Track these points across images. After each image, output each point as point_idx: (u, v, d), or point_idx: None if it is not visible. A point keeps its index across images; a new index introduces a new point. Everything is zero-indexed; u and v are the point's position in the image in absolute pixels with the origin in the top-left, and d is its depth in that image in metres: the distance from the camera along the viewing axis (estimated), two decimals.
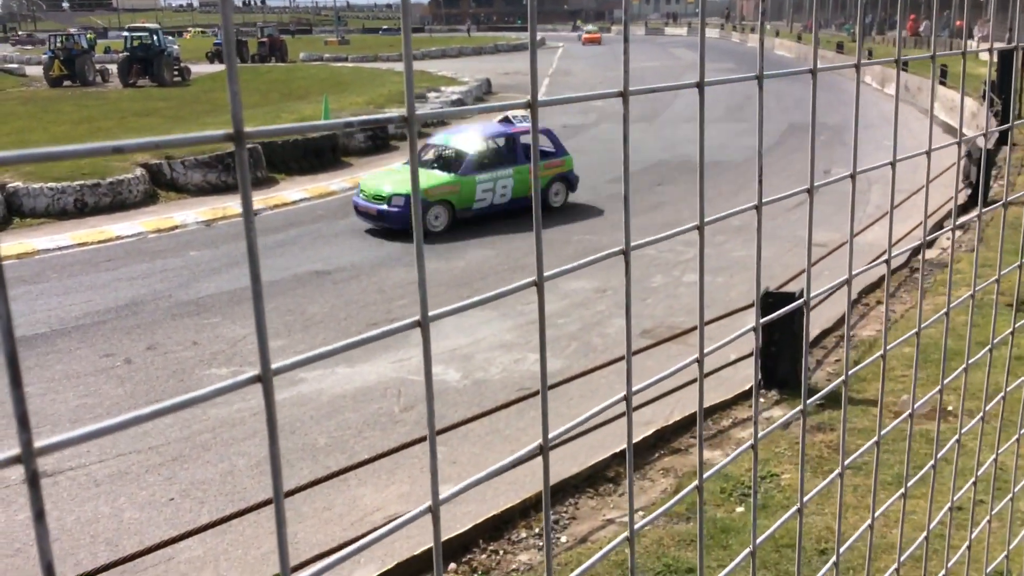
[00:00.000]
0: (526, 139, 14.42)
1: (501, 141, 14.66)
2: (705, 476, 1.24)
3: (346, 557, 0.79)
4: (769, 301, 6.80)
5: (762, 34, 1.32)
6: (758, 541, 1.44)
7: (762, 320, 1.38)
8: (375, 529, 0.85)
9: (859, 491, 5.40)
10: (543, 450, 0.99)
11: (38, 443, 0.58)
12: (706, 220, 1.20)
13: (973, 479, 2.19)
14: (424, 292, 0.80)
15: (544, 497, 1.01)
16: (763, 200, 1.32)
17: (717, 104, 26.53)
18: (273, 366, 0.72)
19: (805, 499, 1.50)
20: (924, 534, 1.99)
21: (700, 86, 1.10)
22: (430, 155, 14.77)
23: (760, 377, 7.37)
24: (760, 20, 1.32)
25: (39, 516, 0.58)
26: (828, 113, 21.73)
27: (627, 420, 1.09)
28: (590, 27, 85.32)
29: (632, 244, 1.04)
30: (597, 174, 17.57)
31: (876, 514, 1.79)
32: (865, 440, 6.04)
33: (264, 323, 0.69)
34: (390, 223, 13.48)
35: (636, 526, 1.14)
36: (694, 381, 6.47)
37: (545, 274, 0.96)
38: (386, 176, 14.59)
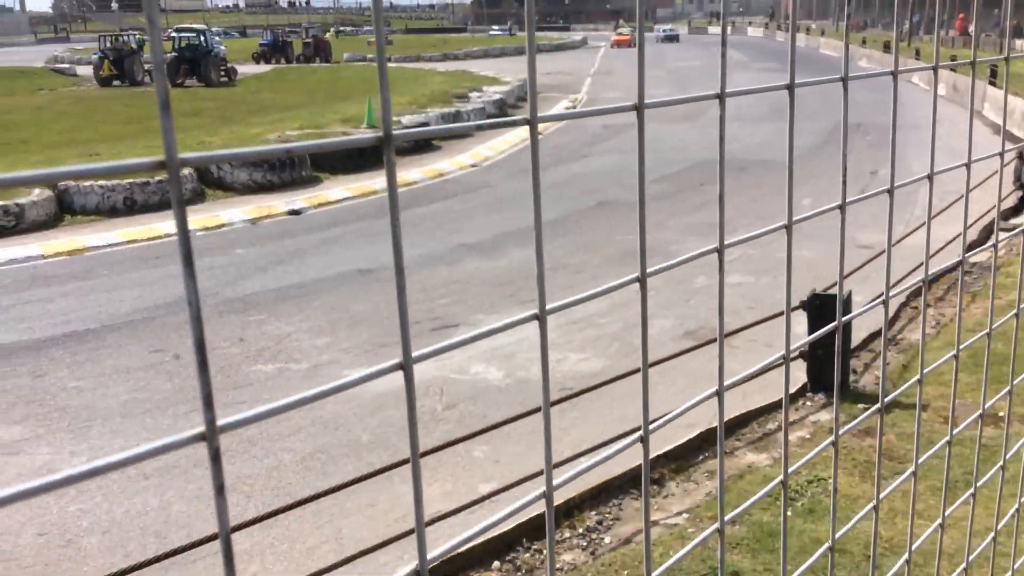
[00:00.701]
0: None
1: None
2: (727, 518, 1.24)
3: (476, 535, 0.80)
4: (816, 303, 6.73)
5: (793, 40, 1.30)
6: (834, 539, 1.43)
7: (795, 348, 1.37)
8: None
9: (909, 496, 5.32)
10: (643, 440, 1.00)
11: (220, 421, 0.63)
12: (727, 243, 1.18)
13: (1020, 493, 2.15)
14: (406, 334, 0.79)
15: (644, 482, 1.01)
16: (792, 220, 1.30)
17: (762, 102, 26.28)
18: (414, 354, 0.77)
19: (881, 495, 1.49)
20: (991, 535, 1.97)
21: (721, 96, 1.09)
22: None
23: (807, 380, 7.30)
24: (791, 26, 1.30)
25: (220, 490, 0.65)
26: (876, 113, 21.43)
27: (644, 459, 1.09)
28: (623, 28, 79.12)
29: (726, 243, 1.04)
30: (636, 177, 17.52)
31: (947, 513, 1.76)
32: (911, 443, 5.95)
33: (406, 314, 0.75)
34: None
35: (726, 517, 1.13)
36: (743, 383, 6.41)
37: (648, 270, 0.96)
38: None
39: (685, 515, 5.64)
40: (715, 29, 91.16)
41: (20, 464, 6.87)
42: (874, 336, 8.51)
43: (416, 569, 0.79)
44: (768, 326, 7.32)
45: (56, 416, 7.69)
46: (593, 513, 5.77)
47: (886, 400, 1.50)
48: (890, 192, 1.49)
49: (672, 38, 67.25)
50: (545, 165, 19.52)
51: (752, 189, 15.46)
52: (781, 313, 7.19)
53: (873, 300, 1.66)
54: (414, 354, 0.73)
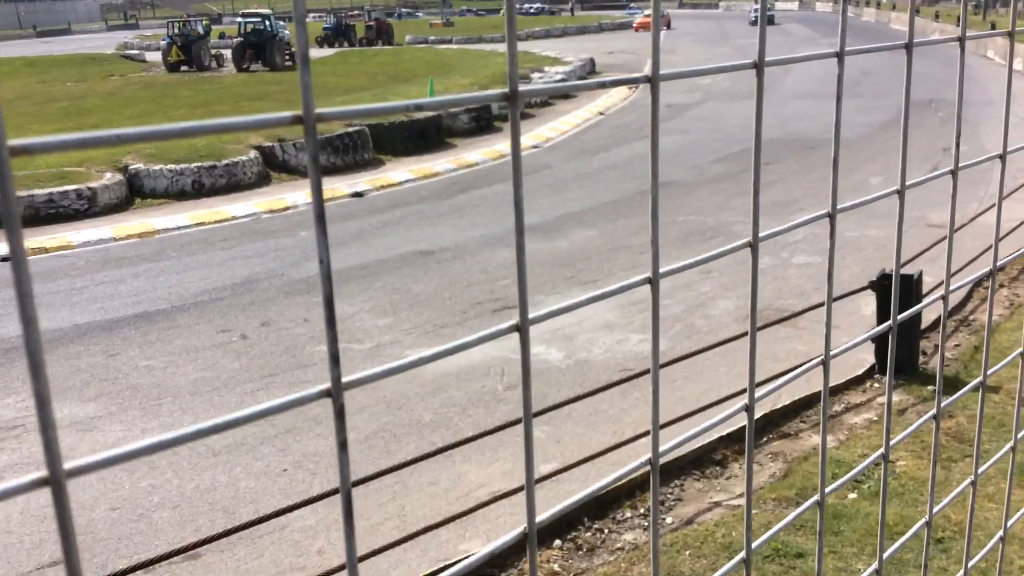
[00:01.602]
0: None
1: None
2: (753, 544, 1.21)
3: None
4: (885, 283, 6.59)
5: (844, 8, 1.24)
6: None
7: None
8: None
9: (979, 480, 5.20)
10: (748, 409, 1.00)
11: (345, 378, 0.66)
12: (762, 235, 1.14)
13: None
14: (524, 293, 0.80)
15: (748, 452, 1.01)
16: (837, 208, 1.24)
17: (829, 79, 25.72)
18: (530, 315, 0.80)
19: (980, 470, 1.46)
20: None
21: (759, 66, 1.05)
22: None
23: (875, 362, 7.16)
24: None
25: (343, 446, 0.67)
26: (948, 89, 20.82)
27: (748, 427, 1.08)
28: (648, 11, 68.99)
29: (660, 272, 1.01)
30: (701, 154, 17.30)
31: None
32: (985, 426, 5.80)
33: (525, 275, 0.79)
34: None
35: (827, 490, 1.12)
36: (802, 364, 6.28)
37: (661, 270, 0.96)
38: None
39: (745, 497, 5.59)
40: (783, 5, 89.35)
41: (94, 441, 7.08)
42: (948, 314, 8.31)
43: (524, 531, 0.82)
44: (835, 306, 7.19)
45: (128, 394, 7.90)
46: None
47: (943, 405, 1.45)
48: (954, 173, 1.42)
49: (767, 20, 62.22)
50: (607, 145, 19.41)
51: (821, 167, 15.17)
52: (847, 294, 7.06)
53: (934, 288, 1.61)
54: (530, 316, 0.76)
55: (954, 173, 1.38)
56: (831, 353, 1.07)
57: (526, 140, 20.58)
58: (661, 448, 0.90)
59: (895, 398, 6.67)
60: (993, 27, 33.57)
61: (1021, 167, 10.11)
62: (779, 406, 6.66)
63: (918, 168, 12.79)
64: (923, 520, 1.37)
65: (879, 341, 7.06)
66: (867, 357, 7.23)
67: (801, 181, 14.41)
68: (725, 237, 11.13)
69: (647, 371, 6.62)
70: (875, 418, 6.44)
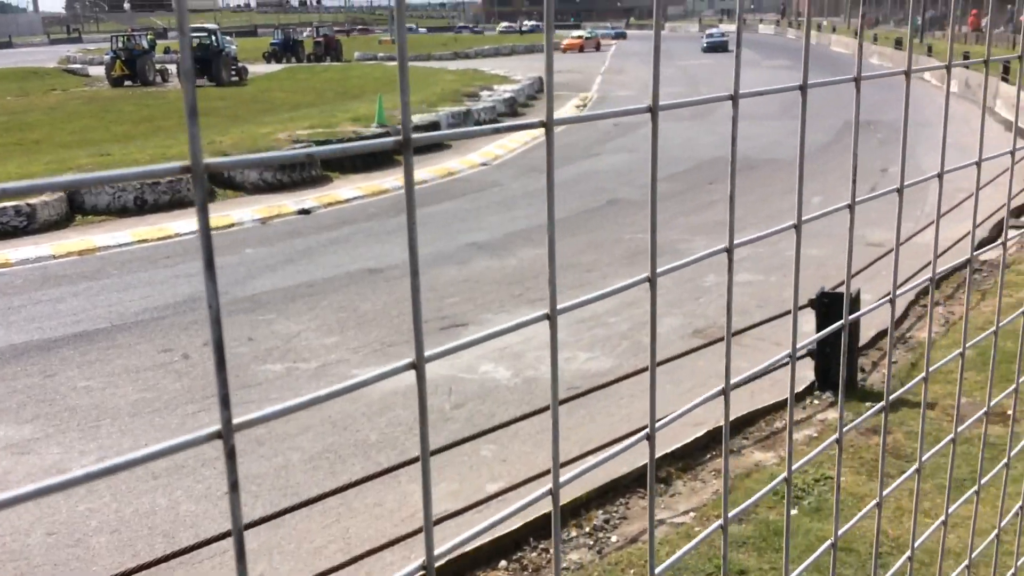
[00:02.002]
0: None
1: None
2: (730, 514, 1.23)
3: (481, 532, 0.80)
4: (824, 301, 6.71)
5: (807, 39, 1.29)
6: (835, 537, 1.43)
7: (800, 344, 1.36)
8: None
9: (912, 495, 5.30)
10: (650, 438, 1.01)
11: (236, 420, 0.66)
12: (736, 243, 1.18)
13: None
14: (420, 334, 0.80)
15: (650, 479, 1.01)
16: (802, 219, 1.30)
17: (771, 101, 26.18)
18: (426, 354, 0.79)
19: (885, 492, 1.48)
20: (995, 533, 1.96)
21: (735, 98, 1.09)
22: None
23: (815, 379, 7.28)
24: (806, 26, 1.30)
25: (234, 486, 0.66)
26: (885, 110, 21.34)
27: (650, 457, 1.09)
28: (579, 31, 66.54)
29: (658, 271, 1.04)
30: (648, 172, 17.48)
31: (950, 511, 1.76)
32: (918, 441, 5.92)
33: (420, 314, 0.78)
34: None
35: (731, 514, 1.13)
36: (748, 382, 6.38)
37: (658, 270, 0.97)
38: None
39: (692, 514, 5.63)
40: (725, 27, 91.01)
41: (30, 464, 6.90)
42: (882, 335, 8.48)
43: (423, 564, 0.80)
44: (776, 324, 7.31)
45: (66, 415, 7.73)
46: (600, 512, 5.76)
47: (891, 398, 1.49)
48: (899, 191, 1.49)
49: (719, 46, 50.81)
50: (556, 163, 19.43)
51: (761, 188, 15.42)
52: (789, 312, 7.17)
53: (881, 299, 1.66)
54: (426, 354, 0.75)
55: (900, 192, 1.45)
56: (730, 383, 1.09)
57: (474, 158, 20.63)
58: (563, 479, 0.90)
59: (832, 414, 6.79)
60: (930, 50, 34.52)
61: (958, 187, 10.37)
62: (722, 423, 6.73)
63: (857, 188, 13.04)
64: (828, 542, 1.40)
65: (819, 359, 7.19)
66: (808, 374, 7.35)
67: (744, 201, 14.63)
68: (672, 255, 11.23)
69: (595, 388, 6.66)
70: (815, 434, 6.54)
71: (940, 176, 1.61)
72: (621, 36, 65.41)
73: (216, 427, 0.67)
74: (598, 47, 61.10)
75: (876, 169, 16.37)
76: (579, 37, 61.31)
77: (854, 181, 1.40)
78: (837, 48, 51.31)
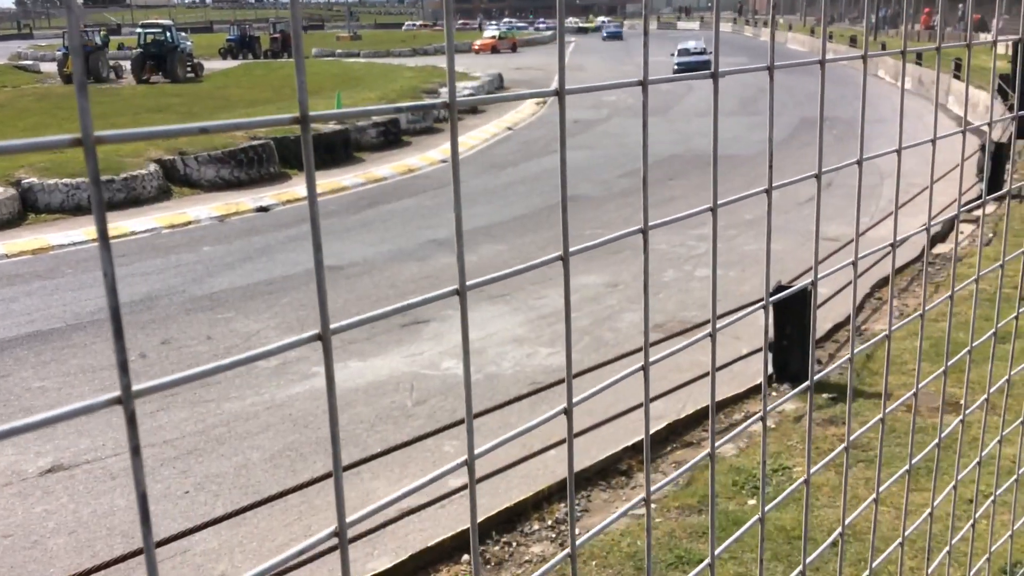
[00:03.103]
0: None
1: None
2: (656, 487, 1.25)
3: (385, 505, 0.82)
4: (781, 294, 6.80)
5: (772, 26, 1.34)
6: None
7: (772, 302, 1.40)
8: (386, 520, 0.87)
9: (870, 483, 5.40)
10: (567, 412, 1.04)
11: (135, 386, 0.67)
12: (720, 203, 1.22)
13: (977, 460, 2.20)
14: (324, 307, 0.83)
15: (569, 454, 1.03)
16: (773, 185, 1.35)
17: (730, 98, 26.45)
18: (332, 326, 0.82)
19: (813, 470, 1.52)
20: (928, 511, 2.01)
21: (644, 84, 1.12)
22: None
23: (772, 371, 7.38)
24: (770, 12, 1.34)
25: (135, 451, 0.67)
26: (840, 107, 21.64)
27: (568, 432, 1.11)
28: (491, 30, 62.97)
29: (650, 224, 1.08)
30: (608, 169, 17.58)
31: (880, 489, 1.80)
32: (877, 432, 6.05)
33: (324, 287, 0.81)
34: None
35: (653, 491, 1.16)
36: (706, 375, 6.46)
37: (572, 249, 1.01)
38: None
39: (653, 505, 5.69)
40: (684, 24, 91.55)
41: None
42: (839, 327, 8.61)
43: (335, 530, 0.83)
44: (733, 318, 7.38)
45: (20, 416, 7.56)
46: (562, 505, 5.80)
47: (816, 378, 1.54)
48: (859, 163, 1.56)
49: (616, 35, 57.61)
50: (515, 160, 19.56)
51: (721, 183, 15.56)
52: (746, 305, 7.28)
53: (836, 291, 1.71)
54: (332, 326, 0.78)
55: (818, 177, 1.49)
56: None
57: (435, 154, 20.60)
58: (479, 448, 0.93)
59: (791, 406, 6.89)
60: (884, 47, 35.08)
61: (912, 182, 10.56)
62: (683, 415, 6.80)
63: (811, 183, 13.22)
64: (756, 517, 1.44)
65: (776, 351, 7.28)
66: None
67: (703, 197, 14.73)
68: (632, 251, 11.31)
69: (555, 383, 6.70)
70: (772, 425, 6.63)
71: (899, 152, 1.68)
72: (616, 36, 63.07)
73: (116, 393, 0.68)
74: (514, 47, 56.96)
75: (832, 163, 16.59)
76: (492, 37, 57.70)
77: (820, 150, 1.46)
78: (793, 46, 51.89)
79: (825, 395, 6.90)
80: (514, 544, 5.43)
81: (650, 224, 1.08)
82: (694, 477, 5.87)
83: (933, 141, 1.87)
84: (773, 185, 1.34)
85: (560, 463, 6.20)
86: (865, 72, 1.61)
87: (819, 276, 1.56)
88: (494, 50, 54.27)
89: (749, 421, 1.50)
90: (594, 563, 5.12)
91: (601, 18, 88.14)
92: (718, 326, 1.32)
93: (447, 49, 0.84)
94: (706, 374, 7.16)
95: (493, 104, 30.20)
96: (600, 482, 6.05)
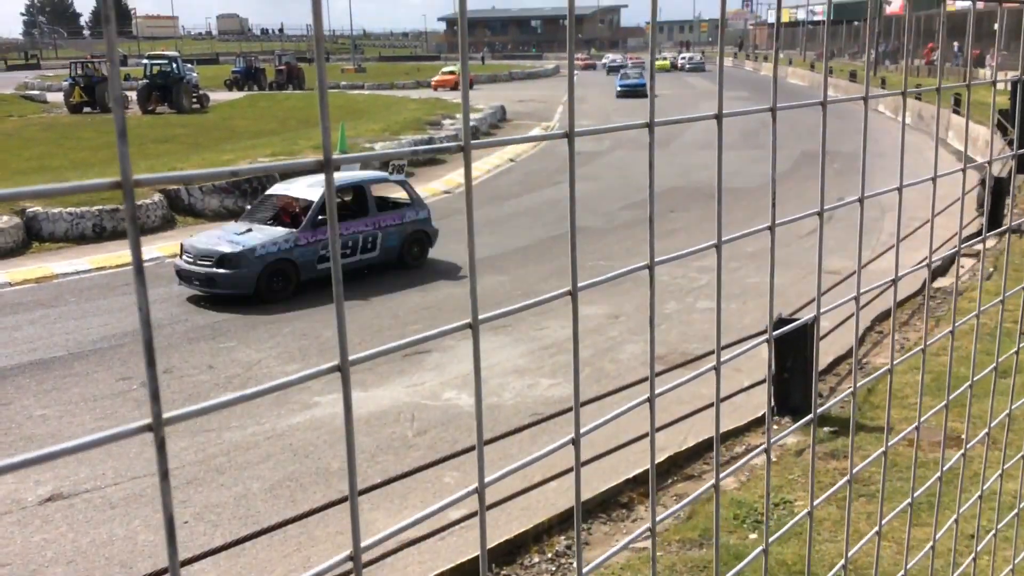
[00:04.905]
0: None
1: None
2: (659, 519, 1.26)
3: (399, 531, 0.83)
4: (782, 327, 6.81)
5: (776, 67, 1.36)
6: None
7: (775, 337, 1.41)
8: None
9: (872, 518, 5.37)
10: (575, 442, 1.05)
11: (166, 414, 0.70)
12: (724, 239, 1.24)
13: (979, 494, 2.20)
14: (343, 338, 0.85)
15: (576, 492, 1.04)
16: (776, 222, 1.37)
17: (732, 131, 26.53)
18: (351, 357, 0.83)
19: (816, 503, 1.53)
20: (930, 544, 2.01)
21: (650, 126, 1.14)
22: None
23: (773, 403, 7.36)
24: (775, 53, 1.36)
25: (164, 476, 0.71)
26: (841, 141, 21.72)
27: (575, 462, 1.13)
28: (448, 67, 59.79)
29: (656, 260, 1.10)
30: (610, 201, 17.64)
31: (883, 523, 1.80)
32: (878, 466, 5.99)
33: (344, 319, 0.81)
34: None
35: (658, 521, 1.16)
36: (708, 407, 6.47)
37: (580, 284, 1.03)
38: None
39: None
40: (683, 53, 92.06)
41: None
42: (840, 359, 8.61)
43: (350, 554, 0.84)
44: (734, 350, 7.38)
45: (21, 445, 7.59)
46: (563, 538, 5.77)
47: (819, 411, 1.54)
48: (861, 201, 1.58)
49: (634, 89, 50.63)
50: (518, 192, 19.64)
51: (722, 216, 15.61)
52: (748, 337, 7.32)
53: (838, 324, 1.72)
54: (351, 357, 0.79)
55: (820, 215, 1.51)
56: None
57: (438, 185, 20.68)
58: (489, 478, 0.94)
59: (792, 439, 6.87)
60: (883, 82, 35.33)
61: (913, 216, 10.61)
62: (684, 448, 6.78)
63: (814, 217, 13.26)
64: (760, 549, 1.45)
65: (777, 384, 7.28)
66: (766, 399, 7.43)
67: (705, 229, 14.81)
68: (634, 283, 11.33)
69: (556, 414, 6.69)
70: (774, 459, 6.61)
71: (900, 189, 1.70)
72: (635, 91, 54.82)
73: (147, 420, 0.71)
74: (471, 85, 53.76)
75: (833, 198, 16.57)
76: (451, 73, 54.62)
77: (822, 187, 1.48)
78: (793, 80, 52.23)
79: (826, 428, 6.89)
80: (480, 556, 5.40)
81: (656, 260, 1.10)
82: (695, 511, 5.84)
83: (934, 179, 1.89)
84: (776, 222, 1.36)
85: (560, 495, 6.18)
86: (866, 113, 1.64)
87: (821, 311, 1.57)
88: (454, 86, 50.98)
89: (753, 453, 1.51)
90: None
91: (609, 56, 79.70)
92: (722, 359, 1.33)
93: (462, 93, 0.87)
94: (707, 406, 7.15)
95: (496, 133, 30.37)
96: (601, 514, 6.03)
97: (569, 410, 6.97)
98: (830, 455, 6.44)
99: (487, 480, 0.94)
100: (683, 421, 7.11)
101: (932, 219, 2.03)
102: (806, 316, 1.57)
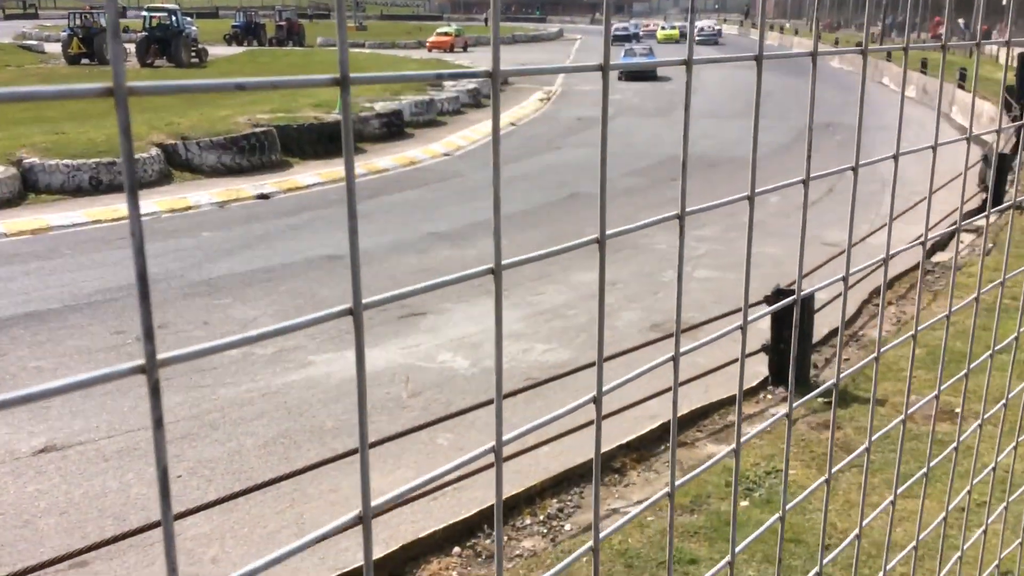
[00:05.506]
0: None
1: None
2: (678, 483, 1.25)
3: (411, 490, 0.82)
4: (779, 297, 6.80)
5: (763, 18, 1.32)
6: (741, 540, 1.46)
7: (751, 320, 1.39)
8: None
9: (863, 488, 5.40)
10: (596, 401, 1.04)
11: (160, 355, 0.63)
12: (757, 191, 1.22)
13: (973, 481, 2.20)
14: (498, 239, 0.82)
15: (596, 450, 1.03)
16: (756, 191, 1.33)
17: (736, 99, 26.43)
18: (364, 301, 0.78)
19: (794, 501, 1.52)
20: (940, 524, 2.01)
21: (688, 63, 1.10)
22: None
23: (768, 374, 7.38)
24: (761, 3, 1.33)
25: (158, 423, 0.64)
26: (844, 113, 21.63)
27: (596, 419, 1.11)
28: (444, 28, 57.01)
29: (687, 210, 1.07)
30: (613, 167, 17.52)
31: (898, 492, 1.80)
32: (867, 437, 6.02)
33: (358, 261, 0.78)
34: None
35: (677, 484, 1.15)
36: (701, 375, 6.48)
37: (608, 232, 1.00)
38: None
39: (645, 503, 5.69)
40: (684, 23, 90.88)
41: None
42: (835, 332, 8.61)
43: (359, 515, 0.81)
44: (733, 319, 7.38)
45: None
46: (554, 501, 5.80)
47: (841, 376, 1.53)
48: (854, 170, 1.54)
49: (624, 39, 47.54)
50: (517, 156, 19.54)
51: (723, 185, 15.56)
52: (747, 306, 7.24)
53: (835, 296, 1.70)
54: (364, 301, 0.75)
55: (805, 183, 1.48)
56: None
57: (437, 147, 20.58)
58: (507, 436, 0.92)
59: (785, 408, 6.88)
60: (889, 55, 35.06)
61: (913, 191, 10.57)
62: (678, 415, 6.80)
63: (815, 187, 13.26)
64: (776, 516, 1.44)
65: (773, 354, 7.29)
66: (761, 369, 7.45)
67: (705, 198, 14.71)
68: (632, 250, 11.31)
69: (552, 379, 6.70)
70: (768, 428, 6.64)
71: (896, 157, 1.65)
72: (622, 41, 49.85)
73: (140, 361, 0.63)
74: (465, 47, 52.14)
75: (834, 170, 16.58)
76: (445, 34, 52.72)
77: (809, 152, 1.44)
78: (800, 50, 51.96)
79: (821, 399, 6.91)
80: (506, 538, 5.44)
81: (687, 210, 1.07)
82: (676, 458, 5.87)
83: (934, 148, 1.83)
84: (756, 191, 1.33)
85: (552, 459, 6.21)
86: (864, 68, 1.59)
87: (814, 287, 1.55)
88: (450, 48, 50.64)
89: (774, 418, 1.50)
90: (585, 560, 5.12)
91: (620, 24, 70.18)
92: (750, 318, 1.31)
93: (492, 19, 0.82)
94: (702, 375, 7.17)
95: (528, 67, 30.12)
96: None
97: (564, 375, 6.99)
98: (823, 425, 6.47)
99: (505, 438, 0.92)
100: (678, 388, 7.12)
101: (930, 194, 2.00)
102: (803, 291, 1.54)
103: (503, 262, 0.86)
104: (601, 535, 1.08)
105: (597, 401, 1.03)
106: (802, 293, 1.48)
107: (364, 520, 0.80)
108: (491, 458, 0.93)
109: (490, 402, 6.23)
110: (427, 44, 51.78)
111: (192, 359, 0.67)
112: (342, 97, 0.71)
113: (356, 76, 0.69)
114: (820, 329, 8.47)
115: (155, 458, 0.66)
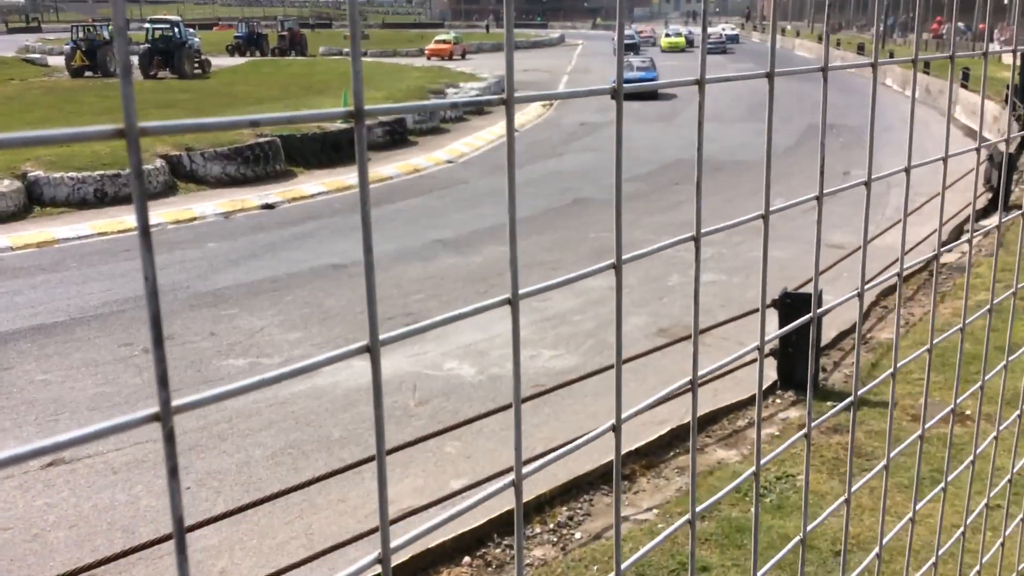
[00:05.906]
0: None
1: None
2: (698, 509, 1.23)
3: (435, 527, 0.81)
4: (787, 301, 6.78)
5: (774, 32, 1.31)
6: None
7: (769, 337, 1.38)
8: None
9: (875, 493, 5.38)
10: (616, 429, 1.02)
11: (175, 402, 0.62)
12: (772, 210, 1.20)
13: (990, 493, 2.18)
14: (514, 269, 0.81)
15: (616, 471, 1.02)
16: (770, 209, 1.31)
17: (738, 104, 26.43)
18: (381, 337, 0.76)
19: (854, 488, 1.51)
20: (960, 531, 1.99)
21: (700, 83, 1.09)
22: None
23: (777, 378, 7.36)
24: (772, 18, 1.32)
25: (172, 472, 0.62)
26: (848, 115, 21.60)
27: (616, 448, 1.10)
28: (442, 36, 54.60)
29: (703, 231, 1.06)
30: (611, 173, 17.57)
31: (917, 508, 1.78)
32: (881, 442, 5.99)
33: (375, 297, 0.75)
34: None
35: (697, 509, 1.14)
36: (711, 380, 6.44)
37: (624, 256, 0.99)
38: None
39: (655, 510, 5.67)
40: (694, 29, 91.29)
41: None
42: (844, 335, 8.59)
43: (379, 556, 0.79)
44: (739, 324, 7.36)
45: (23, 409, 7.60)
46: (564, 509, 5.78)
47: (859, 393, 1.51)
48: (867, 184, 1.51)
49: (634, 47, 45.33)
50: (521, 162, 19.53)
51: (728, 189, 15.54)
52: (753, 311, 7.30)
53: (846, 296, 1.68)
54: (381, 337, 0.73)
55: (819, 199, 1.46)
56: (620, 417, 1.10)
57: (440, 155, 20.59)
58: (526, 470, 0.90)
59: (794, 413, 6.87)
60: (891, 55, 35.06)
61: (920, 191, 10.54)
62: (686, 421, 6.78)
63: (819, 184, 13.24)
64: (796, 539, 1.42)
65: (781, 358, 7.26)
66: (770, 373, 7.42)
67: (710, 200, 14.70)
68: None
69: (559, 386, 6.68)
70: (777, 432, 6.62)
71: (907, 171, 1.63)
72: (634, 49, 47.03)
73: (154, 409, 0.61)
74: (463, 54, 50.99)
75: (838, 172, 16.55)
76: (444, 42, 51.33)
77: (822, 170, 1.42)
78: (801, 52, 51.90)
79: (829, 403, 6.88)
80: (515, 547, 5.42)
81: (703, 231, 1.06)
82: (699, 483, 5.84)
83: (944, 160, 1.79)
84: (771, 210, 1.32)
85: (560, 468, 6.18)
86: (875, 81, 1.58)
87: (830, 305, 1.53)
88: (449, 56, 49.55)
89: (792, 439, 1.49)
90: (595, 568, 5.10)
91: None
92: (723, 337, 1.31)
93: (506, 46, 0.82)
94: (710, 379, 7.14)
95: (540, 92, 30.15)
96: (603, 486, 6.04)
97: (572, 382, 6.97)
98: (833, 430, 6.44)
99: (525, 471, 0.90)
100: (687, 394, 7.09)
101: (942, 206, 1.98)
102: (811, 296, 1.52)
103: (520, 291, 0.85)
104: (697, 508, 1.06)
105: (616, 429, 1.01)
106: (818, 311, 1.47)
107: (384, 563, 0.78)
108: (510, 475, 0.91)
109: (498, 410, 6.23)
110: (426, 52, 51.43)
111: (207, 405, 0.65)
112: (356, 130, 0.70)
113: (371, 108, 0.69)
114: (828, 332, 8.45)
115: (170, 506, 0.63)
